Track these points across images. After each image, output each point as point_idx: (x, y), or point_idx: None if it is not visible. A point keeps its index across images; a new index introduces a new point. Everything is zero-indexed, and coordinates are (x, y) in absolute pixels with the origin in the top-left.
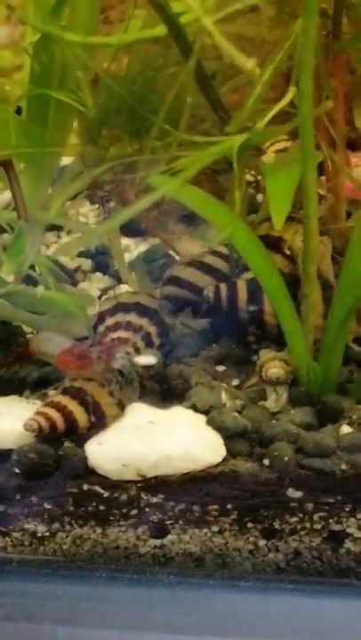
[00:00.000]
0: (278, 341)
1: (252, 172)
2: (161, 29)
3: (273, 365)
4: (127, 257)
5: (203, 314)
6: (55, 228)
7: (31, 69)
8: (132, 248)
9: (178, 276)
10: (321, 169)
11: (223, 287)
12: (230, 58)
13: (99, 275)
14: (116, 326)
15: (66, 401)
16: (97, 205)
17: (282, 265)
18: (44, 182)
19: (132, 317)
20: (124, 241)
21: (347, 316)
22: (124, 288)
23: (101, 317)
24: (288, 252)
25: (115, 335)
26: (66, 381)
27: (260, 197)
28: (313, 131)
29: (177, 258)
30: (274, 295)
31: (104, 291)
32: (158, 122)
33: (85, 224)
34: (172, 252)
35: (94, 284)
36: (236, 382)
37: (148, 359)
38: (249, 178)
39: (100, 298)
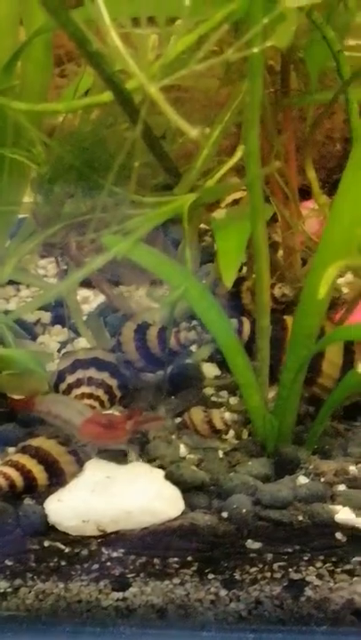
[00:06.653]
0: (236, 392)
1: None
2: (108, 95)
3: (220, 413)
4: (87, 308)
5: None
6: (14, 281)
7: None
8: (92, 299)
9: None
10: (275, 215)
11: None
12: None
13: (58, 327)
14: (79, 382)
15: (24, 460)
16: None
17: None
18: (1, 238)
19: (92, 373)
20: (84, 292)
21: (300, 368)
22: (83, 341)
23: (61, 375)
24: None
25: (78, 391)
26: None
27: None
28: (262, 189)
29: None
30: (228, 350)
31: (63, 344)
32: (108, 181)
33: (44, 276)
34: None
35: (54, 337)
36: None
37: None
38: (206, 227)
39: (59, 351)
